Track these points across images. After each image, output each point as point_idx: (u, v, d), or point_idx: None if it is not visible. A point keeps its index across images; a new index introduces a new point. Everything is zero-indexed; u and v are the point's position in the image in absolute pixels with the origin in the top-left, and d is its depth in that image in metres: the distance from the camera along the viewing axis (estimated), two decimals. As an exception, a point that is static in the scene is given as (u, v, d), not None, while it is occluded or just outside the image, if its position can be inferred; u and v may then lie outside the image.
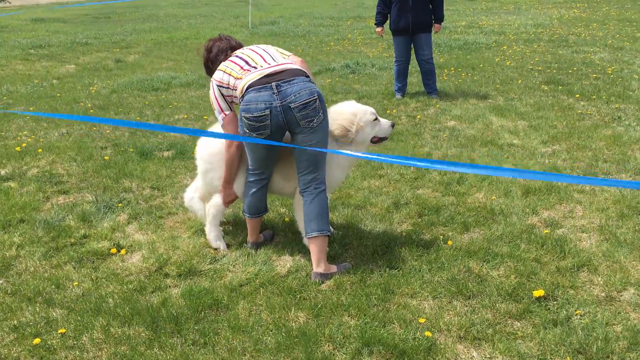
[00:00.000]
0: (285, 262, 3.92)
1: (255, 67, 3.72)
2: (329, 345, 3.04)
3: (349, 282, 3.60)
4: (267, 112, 3.53)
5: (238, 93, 3.70)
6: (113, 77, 10.81)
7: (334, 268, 3.73)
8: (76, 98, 9.09)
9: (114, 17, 25.07)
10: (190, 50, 14.01)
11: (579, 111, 7.16)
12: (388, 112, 7.55)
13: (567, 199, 4.69)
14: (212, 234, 4.11)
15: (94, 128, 7.30)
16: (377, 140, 4.04)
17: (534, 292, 3.40)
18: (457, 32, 14.85)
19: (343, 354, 2.98)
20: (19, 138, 6.87)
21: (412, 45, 8.15)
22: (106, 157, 6.02)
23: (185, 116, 7.76)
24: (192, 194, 4.31)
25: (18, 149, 6.40)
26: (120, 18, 24.78)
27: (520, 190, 4.85)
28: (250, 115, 3.57)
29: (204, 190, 4.21)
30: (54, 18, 25.57)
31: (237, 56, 3.87)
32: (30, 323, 3.31)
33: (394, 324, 3.19)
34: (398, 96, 8.34)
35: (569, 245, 3.93)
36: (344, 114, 3.89)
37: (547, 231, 4.15)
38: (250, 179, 3.92)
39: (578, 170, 5.28)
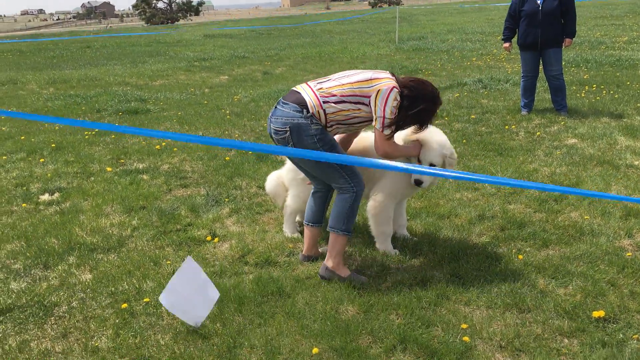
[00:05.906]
0: (354, 262, 4.11)
1: None
2: (367, 338, 3.19)
3: (407, 285, 3.71)
4: (268, 121, 3.87)
5: None
6: (256, 88, 11.69)
7: (346, 271, 3.84)
8: (219, 105, 10.01)
9: (275, 33, 26.76)
10: (333, 63, 14.65)
11: None
12: (507, 127, 7.40)
13: (671, 224, 4.36)
14: (286, 227, 4.58)
15: (226, 132, 8.03)
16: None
17: (593, 312, 3.27)
18: (614, 48, 13.91)
19: (378, 347, 3.12)
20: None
21: (540, 61, 7.92)
22: (227, 158, 6.64)
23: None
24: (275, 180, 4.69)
25: (158, 147, 7.26)
26: (281, 34, 26.37)
27: (620, 212, 4.59)
28: None
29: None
30: (223, 34, 27.91)
31: None
32: (125, 291, 3.85)
33: (437, 326, 3.26)
34: (524, 112, 8.12)
35: (651, 271, 3.68)
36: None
37: (629, 254, 3.91)
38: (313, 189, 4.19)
39: (697, 196, 4.85)
